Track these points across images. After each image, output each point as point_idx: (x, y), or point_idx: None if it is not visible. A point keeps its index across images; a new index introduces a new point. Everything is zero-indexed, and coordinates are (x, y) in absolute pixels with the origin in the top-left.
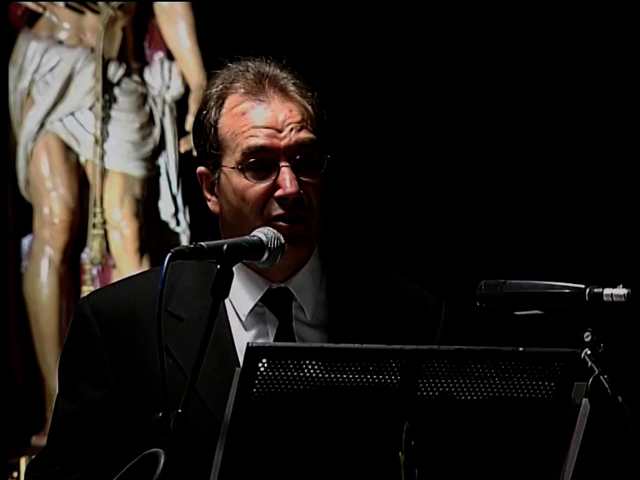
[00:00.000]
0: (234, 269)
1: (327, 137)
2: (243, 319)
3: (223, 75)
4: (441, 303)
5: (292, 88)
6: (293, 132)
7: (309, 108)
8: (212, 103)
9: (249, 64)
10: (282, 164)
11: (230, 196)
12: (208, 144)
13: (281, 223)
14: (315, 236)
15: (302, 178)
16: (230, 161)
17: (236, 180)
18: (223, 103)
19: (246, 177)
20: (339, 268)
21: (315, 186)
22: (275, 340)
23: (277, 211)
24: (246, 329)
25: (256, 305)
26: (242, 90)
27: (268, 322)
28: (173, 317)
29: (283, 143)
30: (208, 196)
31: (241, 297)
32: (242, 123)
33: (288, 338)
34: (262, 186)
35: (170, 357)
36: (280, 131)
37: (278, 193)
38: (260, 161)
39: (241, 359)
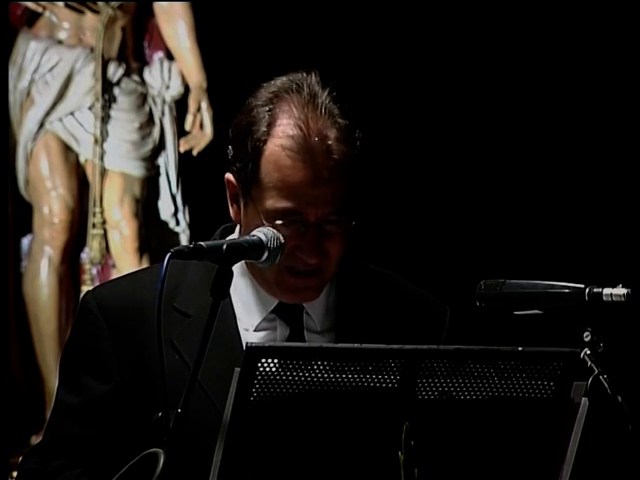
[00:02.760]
0: (244, 284)
1: (360, 189)
2: (252, 328)
3: (271, 95)
4: (445, 307)
5: (336, 147)
6: (326, 203)
7: (349, 166)
8: (257, 133)
9: (298, 97)
10: (310, 227)
11: (250, 228)
12: (245, 172)
13: (293, 276)
14: (328, 281)
15: (326, 231)
16: (261, 204)
17: (259, 222)
18: (267, 141)
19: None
20: (347, 274)
21: (337, 238)
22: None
23: (291, 262)
24: (255, 330)
25: (267, 315)
26: (285, 142)
27: (278, 328)
28: (179, 313)
29: (316, 211)
30: (231, 203)
31: (251, 310)
32: (280, 178)
33: (298, 340)
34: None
35: (176, 353)
36: (315, 197)
37: (299, 253)
38: (288, 221)
39: None
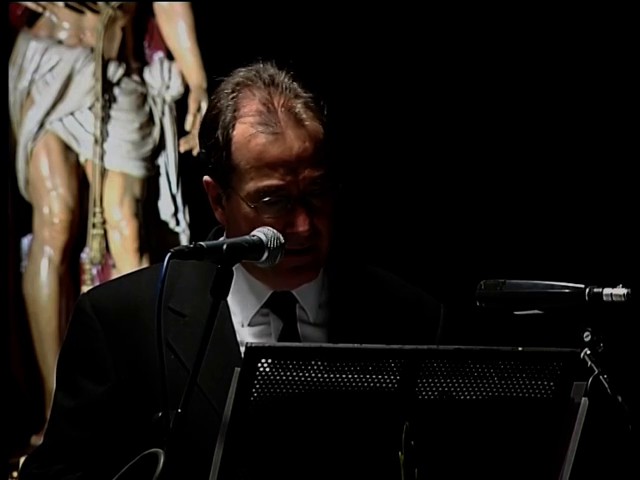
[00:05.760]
0: (237, 276)
1: (339, 155)
2: (247, 322)
3: (232, 85)
4: (439, 304)
5: (304, 115)
6: (307, 170)
7: (321, 133)
8: (223, 122)
9: (258, 81)
10: (296, 202)
11: (239, 221)
12: (220, 164)
13: (288, 256)
14: (323, 259)
15: (313, 206)
16: (242, 189)
17: (247, 210)
18: (234, 125)
19: (257, 212)
20: (340, 270)
21: (325, 212)
22: (279, 339)
23: (286, 245)
24: (250, 327)
25: (260, 308)
26: (252, 119)
27: (272, 322)
28: (175, 313)
29: (297, 181)
30: (214, 206)
31: (245, 303)
32: (256, 156)
33: (292, 338)
34: (273, 221)
35: (172, 353)
36: (294, 168)
37: (290, 230)
38: (273, 198)
39: None
